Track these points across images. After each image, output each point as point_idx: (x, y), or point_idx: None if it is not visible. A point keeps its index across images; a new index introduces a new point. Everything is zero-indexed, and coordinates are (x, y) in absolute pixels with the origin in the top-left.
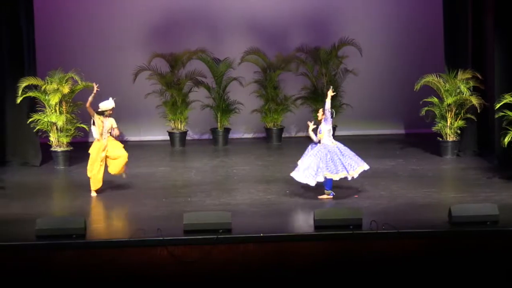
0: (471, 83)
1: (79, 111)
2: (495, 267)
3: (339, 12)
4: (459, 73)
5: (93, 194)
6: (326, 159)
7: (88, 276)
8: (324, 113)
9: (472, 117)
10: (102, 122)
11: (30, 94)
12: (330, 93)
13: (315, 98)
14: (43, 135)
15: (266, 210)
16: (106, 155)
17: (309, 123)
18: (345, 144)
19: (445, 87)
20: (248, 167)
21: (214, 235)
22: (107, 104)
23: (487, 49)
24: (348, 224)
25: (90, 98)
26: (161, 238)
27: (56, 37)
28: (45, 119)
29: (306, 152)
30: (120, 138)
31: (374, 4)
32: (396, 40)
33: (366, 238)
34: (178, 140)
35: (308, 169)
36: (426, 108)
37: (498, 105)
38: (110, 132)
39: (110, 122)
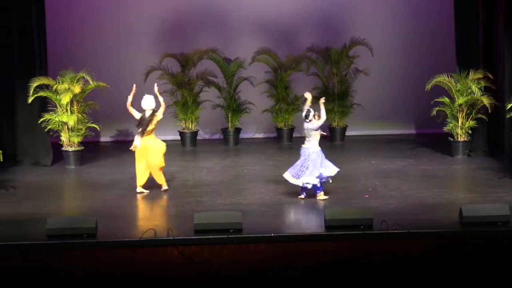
0: (482, 83)
1: (90, 111)
2: (506, 268)
3: (350, 12)
4: (470, 73)
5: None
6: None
7: (98, 276)
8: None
9: (483, 117)
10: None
11: (41, 93)
12: (322, 101)
13: (326, 98)
14: (54, 135)
15: (276, 210)
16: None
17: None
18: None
19: (456, 87)
20: (258, 167)
21: (224, 235)
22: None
23: (498, 49)
24: (359, 224)
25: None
26: (171, 238)
27: (67, 37)
28: (56, 119)
29: (314, 158)
30: (131, 138)
31: (385, 3)
32: (407, 40)
33: (376, 238)
34: (189, 140)
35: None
36: (437, 108)
37: (509, 105)
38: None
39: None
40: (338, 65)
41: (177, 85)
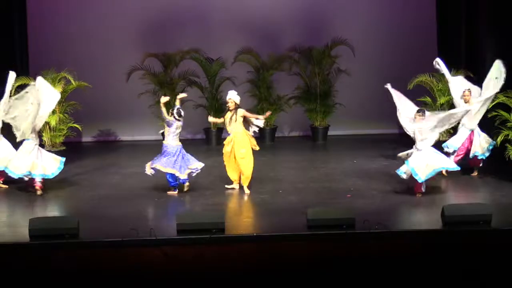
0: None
1: (72, 111)
2: (488, 267)
3: (333, 12)
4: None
5: (232, 185)
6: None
7: (80, 276)
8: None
9: None
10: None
11: None
12: (178, 97)
13: (308, 98)
14: None
15: (259, 209)
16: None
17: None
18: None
19: (438, 86)
20: None
21: (207, 234)
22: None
23: (480, 48)
24: (341, 223)
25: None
26: (154, 238)
27: (49, 37)
28: None
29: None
30: (113, 138)
31: (367, 3)
32: (390, 39)
33: (359, 237)
34: None
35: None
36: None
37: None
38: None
39: (239, 113)
40: (320, 65)
41: (159, 85)
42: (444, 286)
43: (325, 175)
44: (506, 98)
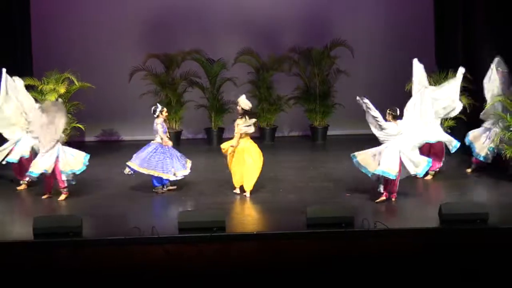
0: (461, 83)
1: (75, 111)
2: (484, 265)
3: (332, 13)
4: (449, 73)
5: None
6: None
7: (84, 274)
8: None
9: (462, 116)
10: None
11: None
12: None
13: (308, 98)
14: None
15: (259, 208)
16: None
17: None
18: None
19: None
20: None
21: (208, 233)
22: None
23: (477, 48)
24: (340, 222)
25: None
26: (156, 236)
27: (52, 38)
28: None
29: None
30: (115, 138)
31: (366, 5)
32: (388, 40)
33: (357, 236)
34: (173, 140)
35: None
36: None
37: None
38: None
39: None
40: (320, 66)
41: (161, 86)
42: (442, 283)
43: (324, 174)
44: (504, 99)
